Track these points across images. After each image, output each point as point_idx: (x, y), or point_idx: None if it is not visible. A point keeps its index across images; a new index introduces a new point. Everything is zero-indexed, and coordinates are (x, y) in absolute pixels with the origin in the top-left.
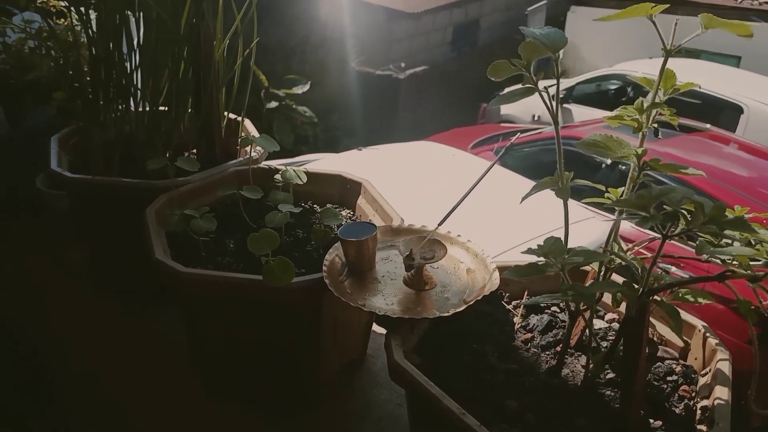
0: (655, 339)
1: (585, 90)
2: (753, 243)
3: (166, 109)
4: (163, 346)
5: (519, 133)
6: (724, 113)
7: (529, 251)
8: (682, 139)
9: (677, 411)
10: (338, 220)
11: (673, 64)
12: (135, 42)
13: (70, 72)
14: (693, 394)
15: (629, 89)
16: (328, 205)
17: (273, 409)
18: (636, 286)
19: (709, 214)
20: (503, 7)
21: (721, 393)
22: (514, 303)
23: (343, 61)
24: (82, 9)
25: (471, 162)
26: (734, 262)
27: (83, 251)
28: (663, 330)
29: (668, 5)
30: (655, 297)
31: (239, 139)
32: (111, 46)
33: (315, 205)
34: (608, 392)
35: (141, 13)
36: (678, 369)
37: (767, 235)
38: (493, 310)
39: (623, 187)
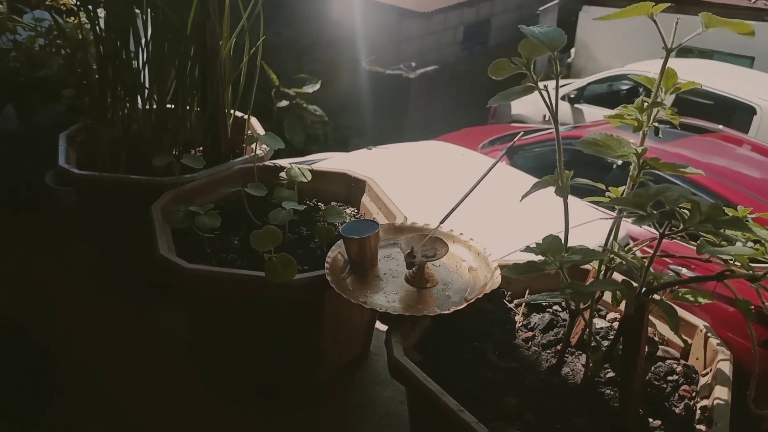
0: (656, 338)
1: (597, 90)
2: (762, 243)
3: (173, 107)
4: (164, 345)
5: (521, 133)
6: (736, 114)
7: (528, 249)
8: (694, 140)
9: (677, 411)
10: (342, 218)
11: (686, 64)
12: (142, 40)
13: (79, 70)
14: (693, 394)
15: (641, 89)
16: (333, 203)
17: (273, 409)
18: (634, 285)
19: (706, 213)
20: (514, 6)
21: (721, 393)
22: (515, 301)
23: (354, 60)
24: (91, 7)
25: (481, 162)
26: (736, 262)
27: (89, 249)
28: (664, 330)
29: (670, 4)
30: (655, 296)
31: (245, 137)
32: (119, 44)
33: (320, 203)
34: (608, 391)
35: (149, 12)
36: (679, 369)
37: (767, 234)
38: (495, 309)
39: (623, 186)
